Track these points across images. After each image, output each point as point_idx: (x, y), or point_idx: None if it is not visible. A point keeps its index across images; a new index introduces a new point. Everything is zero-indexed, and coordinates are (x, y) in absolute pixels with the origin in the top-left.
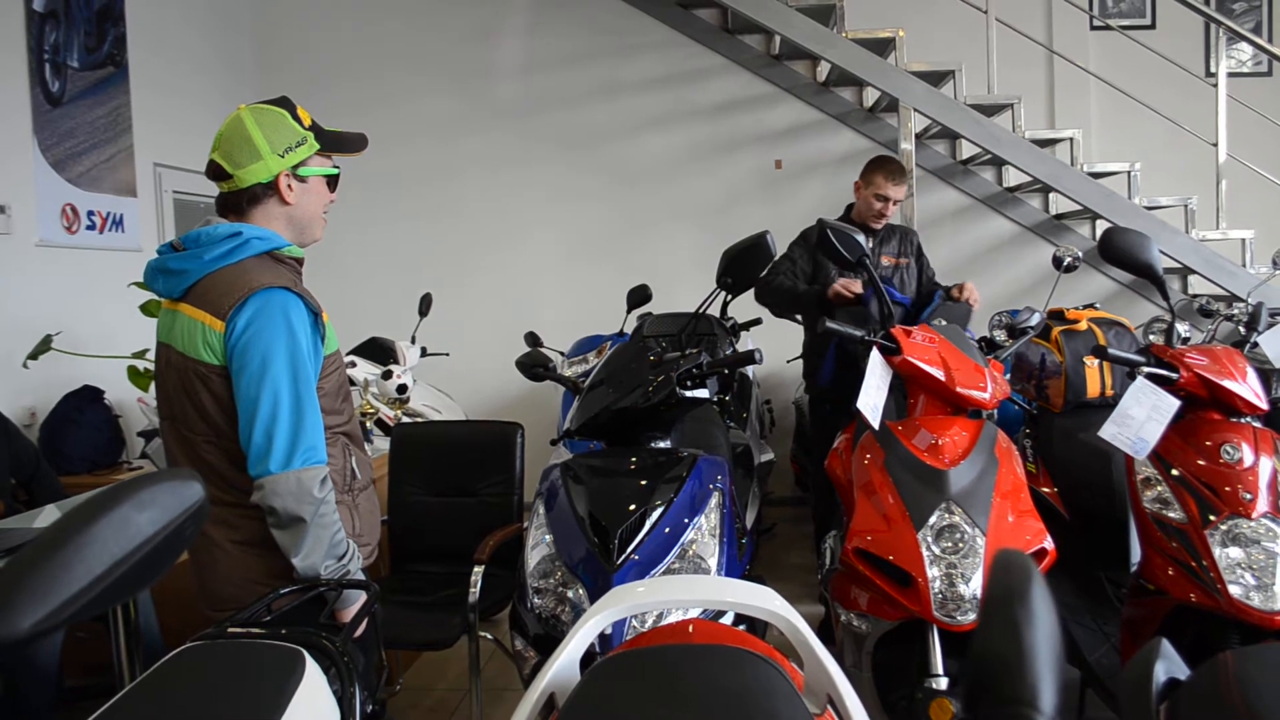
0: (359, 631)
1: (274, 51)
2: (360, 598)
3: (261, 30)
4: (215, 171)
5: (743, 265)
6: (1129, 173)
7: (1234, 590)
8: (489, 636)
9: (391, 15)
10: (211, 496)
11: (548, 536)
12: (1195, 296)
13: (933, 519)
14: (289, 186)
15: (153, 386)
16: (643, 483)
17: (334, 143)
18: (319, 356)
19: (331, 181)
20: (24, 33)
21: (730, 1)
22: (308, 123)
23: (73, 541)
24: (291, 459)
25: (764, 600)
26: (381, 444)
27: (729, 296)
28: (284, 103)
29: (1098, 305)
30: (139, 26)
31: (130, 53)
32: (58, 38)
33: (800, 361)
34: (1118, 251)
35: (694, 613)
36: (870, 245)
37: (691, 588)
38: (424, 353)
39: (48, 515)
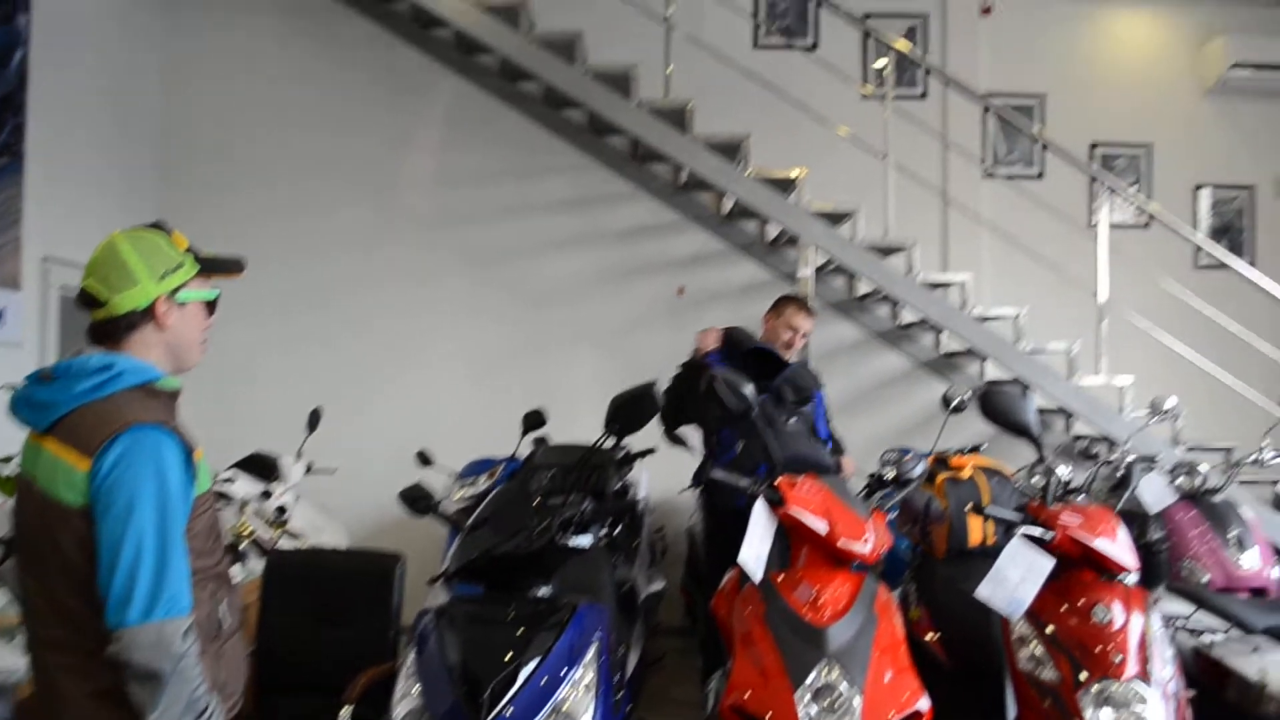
0: None
1: (178, 154)
2: None
3: (166, 131)
4: (87, 299)
5: (629, 414)
6: (1016, 317)
7: None
8: None
9: (300, 122)
10: (67, 643)
11: (416, 687)
12: (1078, 438)
13: (810, 677)
14: (167, 312)
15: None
16: (519, 632)
17: (212, 265)
18: (189, 498)
19: (210, 306)
20: None
21: (640, 132)
22: (183, 247)
23: None
24: (153, 609)
25: None
26: (256, 565)
27: (617, 425)
28: (158, 226)
29: (983, 447)
30: (40, 117)
31: (28, 144)
32: None
33: (692, 493)
34: (995, 411)
35: None
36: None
37: None
38: (309, 469)
39: None
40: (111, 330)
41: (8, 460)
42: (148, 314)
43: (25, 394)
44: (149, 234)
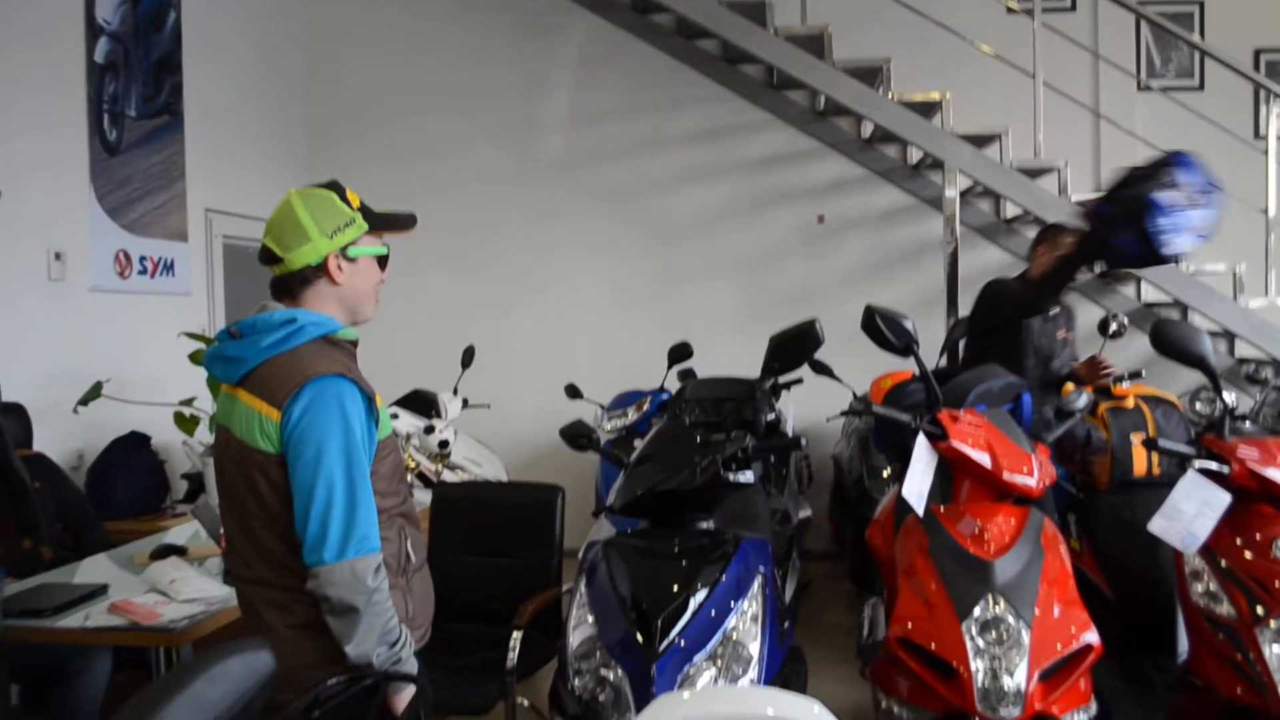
0: None
1: (323, 100)
2: (411, 688)
3: (311, 78)
4: (267, 256)
5: (790, 352)
6: None
7: None
8: (526, 703)
9: (437, 66)
10: (267, 579)
11: (589, 617)
12: (1243, 361)
13: (977, 610)
14: (338, 267)
15: (199, 430)
16: (686, 565)
17: (382, 222)
18: (373, 442)
19: (381, 261)
20: (84, 84)
21: (777, 61)
22: (356, 204)
23: None
24: (346, 548)
25: (808, 714)
26: (422, 497)
27: (776, 365)
28: (333, 185)
29: (1143, 373)
30: (194, 76)
31: (186, 102)
32: (117, 88)
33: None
34: (1169, 345)
35: None
36: (1046, 320)
37: (739, 699)
38: (466, 404)
39: (90, 569)
40: (289, 285)
41: (189, 402)
42: (321, 269)
43: (216, 351)
44: (322, 192)
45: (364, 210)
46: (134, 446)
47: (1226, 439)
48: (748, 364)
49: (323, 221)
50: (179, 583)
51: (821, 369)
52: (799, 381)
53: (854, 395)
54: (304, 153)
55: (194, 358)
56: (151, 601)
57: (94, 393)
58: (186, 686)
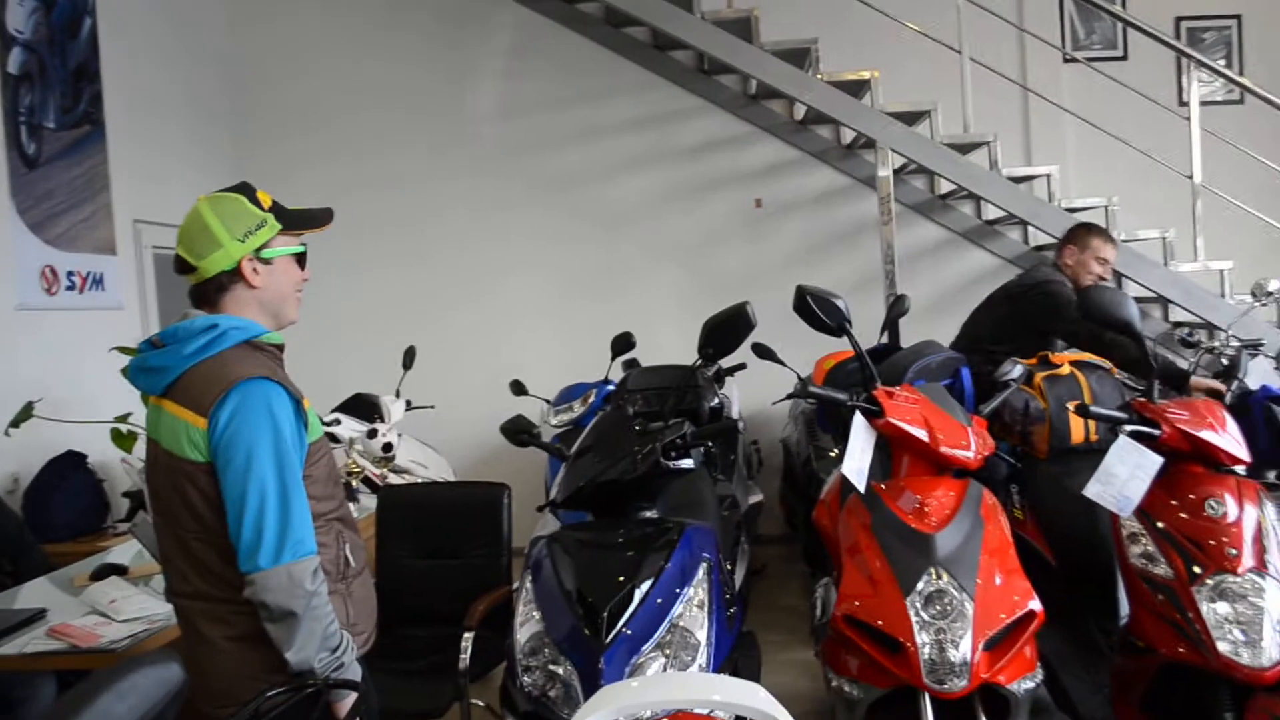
0: None
1: (250, 99)
2: (353, 695)
3: (236, 78)
4: (181, 265)
5: (723, 335)
6: (1106, 207)
7: (1222, 647)
8: (481, 704)
9: (365, 62)
10: (204, 593)
11: (536, 613)
12: (1177, 324)
13: (920, 584)
14: (254, 270)
15: (137, 446)
16: (630, 555)
17: (296, 221)
18: (303, 444)
19: (300, 259)
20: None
21: (704, 46)
22: (268, 204)
23: None
24: (281, 553)
25: (751, 699)
26: (368, 502)
27: (711, 350)
28: (242, 188)
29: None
30: (114, 83)
31: (107, 110)
32: (33, 99)
33: (786, 403)
34: (1097, 311)
35: None
36: None
37: (682, 686)
38: (409, 406)
39: (29, 594)
40: (206, 293)
41: (124, 418)
42: (236, 274)
43: (139, 362)
44: (230, 196)
45: (276, 210)
46: (71, 466)
47: (1156, 402)
48: (691, 351)
49: (233, 226)
50: (119, 602)
51: (764, 352)
52: (742, 366)
53: (798, 377)
54: (232, 157)
55: (126, 372)
56: (91, 623)
57: (25, 413)
58: (92, 702)
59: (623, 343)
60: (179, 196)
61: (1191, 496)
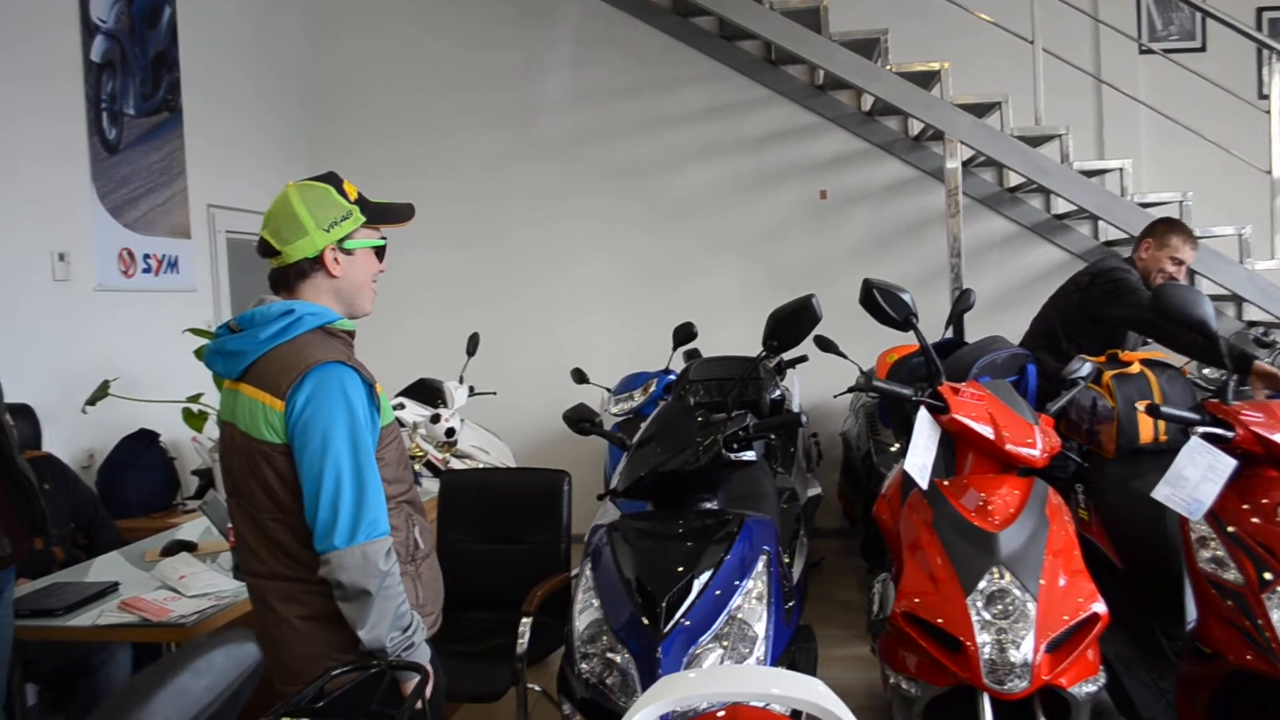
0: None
1: (322, 86)
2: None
3: (309, 66)
4: (265, 249)
5: (789, 328)
6: (1180, 202)
7: None
8: (537, 689)
9: (437, 48)
10: (278, 573)
11: (595, 600)
12: (1252, 324)
13: (982, 583)
14: (335, 260)
15: (207, 425)
16: (690, 546)
17: (379, 214)
18: (376, 428)
19: (379, 252)
20: (82, 83)
21: (773, 36)
22: (353, 196)
23: (132, 716)
24: (356, 533)
25: (811, 694)
26: (430, 486)
27: (775, 342)
28: (330, 178)
29: (1149, 340)
30: (192, 72)
31: (184, 98)
32: (114, 86)
33: (847, 396)
34: (1171, 309)
35: None
36: None
37: (741, 679)
38: (472, 392)
39: (102, 567)
40: (286, 278)
41: (196, 398)
42: (318, 262)
43: (217, 346)
44: (319, 185)
45: (361, 202)
46: (143, 444)
47: (1230, 403)
48: (753, 343)
49: (319, 215)
50: (188, 578)
51: (827, 345)
52: (804, 359)
53: (860, 371)
54: (304, 141)
55: (199, 354)
56: (161, 598)
57: (102, 392)
58: (171, 680)
59: (684, 333)
60: (252, 184)
61: (1265, 501)
